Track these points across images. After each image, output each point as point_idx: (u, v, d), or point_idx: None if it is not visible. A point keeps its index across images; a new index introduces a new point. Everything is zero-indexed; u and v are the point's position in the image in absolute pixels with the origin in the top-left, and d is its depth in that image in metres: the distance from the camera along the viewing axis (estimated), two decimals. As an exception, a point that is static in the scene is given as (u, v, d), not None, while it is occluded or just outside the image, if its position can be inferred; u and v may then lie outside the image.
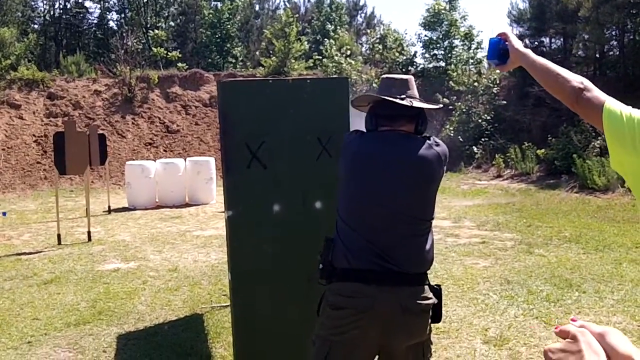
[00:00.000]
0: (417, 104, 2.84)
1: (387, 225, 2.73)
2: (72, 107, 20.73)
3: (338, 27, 30.30)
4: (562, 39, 21.32)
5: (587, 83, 2.02)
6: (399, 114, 2.84)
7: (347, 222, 2.78)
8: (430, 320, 2.82)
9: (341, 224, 2.81)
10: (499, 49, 2.40)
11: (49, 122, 19.85)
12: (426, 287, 2.78)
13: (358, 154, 2.83)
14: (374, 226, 2.73)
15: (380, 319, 2.66)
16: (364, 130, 2.95)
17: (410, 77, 2.96)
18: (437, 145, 2.84)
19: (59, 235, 10.01)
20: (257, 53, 31.20)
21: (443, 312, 2.93)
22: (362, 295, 2.66)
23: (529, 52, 2.26)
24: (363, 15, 42.82)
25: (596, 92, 1.99)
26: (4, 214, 13.25)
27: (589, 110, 1.99)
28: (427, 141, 2.82)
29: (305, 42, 28.02)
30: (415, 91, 2.91)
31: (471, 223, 10.91)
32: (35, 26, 32.05)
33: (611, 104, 1.93)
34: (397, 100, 2.79)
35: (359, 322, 2.66)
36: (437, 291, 2.82)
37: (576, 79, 2.03)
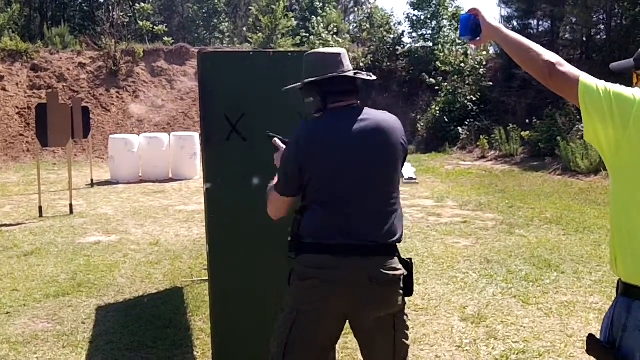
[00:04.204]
0: (362, 76, 2.82)
1: (358, 199, 2.71)
2: (56, 79, 20.52)
3: (326, 5, 30.13)
4: (549, 22, 21.31)
5: (560, 58, 2.04)
6: (349, 89, 2.79)
7: (314, 200, 2.74)
8: (402, 293, 2.81)
9: (307, 202, 2.77)
10: (470, 25, 2.43)
11: (32, 94, 19.65)
12: (395, 258, 2.76)
13: (322, 138, 2.75)
14: (344, 201, 2.70)
15: (346, 289, 2.67)
16: None
17: (344, 50, 2.88)
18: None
19: (40, 208, 9.95)
20: (244, 29, 30.99)
21: (423, 289, 2.95)
22: (328, 267, 2.67)
23: (501, 26, 2.30)
24: (351, -8, 42.56)
25: (569, 67, 2.01)
26: None
27: (563, 84, 2.01)
28: (382, 111, 2.84)
29: (293, 19, 27.84)
30: (349, 62, 2.86)
31: (454, 203, 10.95)
32: (20, -4, 31.57)
33: (586, 78, 1.96)
34: (350, 74, 2.76)
35: (324, 293, 2.68)
36: (407, 264, 2.80)
37: (549, 53, 2.07)
